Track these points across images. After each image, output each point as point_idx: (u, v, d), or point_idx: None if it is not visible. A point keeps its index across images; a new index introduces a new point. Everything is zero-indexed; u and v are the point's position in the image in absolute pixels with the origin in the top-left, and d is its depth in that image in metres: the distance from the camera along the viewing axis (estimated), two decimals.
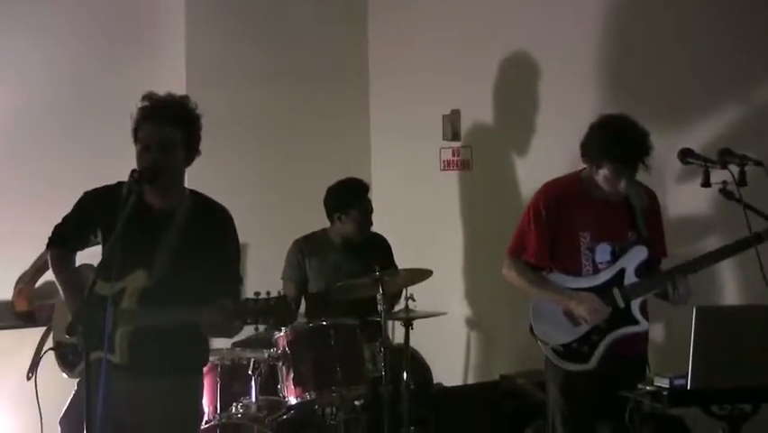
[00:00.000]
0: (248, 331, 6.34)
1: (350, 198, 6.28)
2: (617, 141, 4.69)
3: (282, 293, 3.97)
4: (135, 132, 4.17)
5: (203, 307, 3.94)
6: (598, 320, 4.77)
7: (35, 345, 5.10)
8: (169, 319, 4.01)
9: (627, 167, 4.70)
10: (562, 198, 4.93)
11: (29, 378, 4.35)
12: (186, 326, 4.02)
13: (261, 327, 4.02)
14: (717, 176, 4.51)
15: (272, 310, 3.89)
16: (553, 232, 4.89)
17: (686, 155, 4.69)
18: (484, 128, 7.33)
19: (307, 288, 6.33)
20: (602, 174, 4.75)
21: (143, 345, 4.04)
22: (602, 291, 4.80)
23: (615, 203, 4.84)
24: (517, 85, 6.98)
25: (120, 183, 4.04)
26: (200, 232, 4.18)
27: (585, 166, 4.89)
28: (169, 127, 4.11)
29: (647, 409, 4.41)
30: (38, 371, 4.45)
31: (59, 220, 4.35)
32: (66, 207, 4.33)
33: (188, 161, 4.24)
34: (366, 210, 6.31)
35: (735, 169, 4.48)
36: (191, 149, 4.21)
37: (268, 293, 3.96)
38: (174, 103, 4.21)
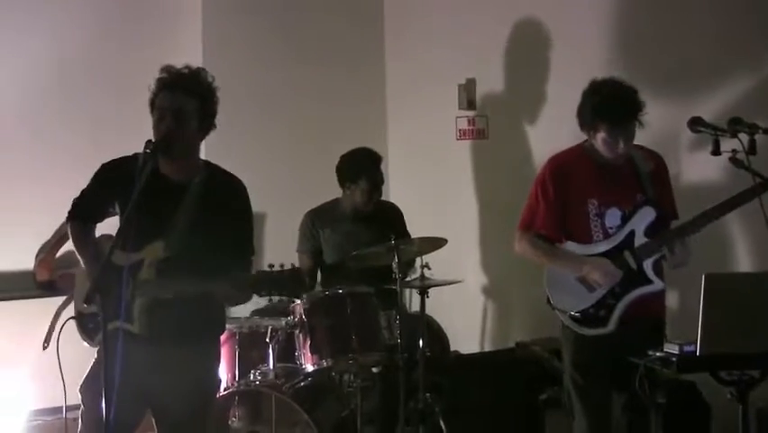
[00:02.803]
0: (265, 300, 6.46)
1: (360, 168, 6.30)
2: (606, 101, 4.72)
3: (295, 265, 4.01)
4: (152, 102, 4.22)
5: (217, 279, 4.00)
6: (612, 283, 4.78)
7: None
8: (185, 291, 4.08)
9: (621, 125, 4.72)
10: (566, 168, 4.95)
11: (45, 348, 4.41)
12: (202, 295, 4.09)
13: (276, 299, 4.07)
14: (727, 145, 4.51)
15: (285, 282, 3.93)
16: (560, 203, 4.91)
17: (696, 124, 4.69)
18: (499, 97, 7.35)
19: (322, 258, 6.38)
20: (600, 138, 4.77)
21: (161, 316, 4.10)
22: (614, 255, 4.82)
23: (620, 168, 4.86)
24: (532, 54, 6.99)
25: (136, 155, 4.09)
26: (215, 203, 4.22)
27: (587, 138, 4.92)
28: (184, 96, 4.17)
29: (659, 376, 4.45)
30: (60, 339, 4.51)
31: (78, 192, 4.41)
32: (85, 178, 4.39)
33: (204, 133, 4.28)
34: (375, 181, 6.32)
35: (744, 137, 4.47)
36: (206, 120, 4.25)
37: (281, 265, 4.01)
38: (190, 73, 4.26)
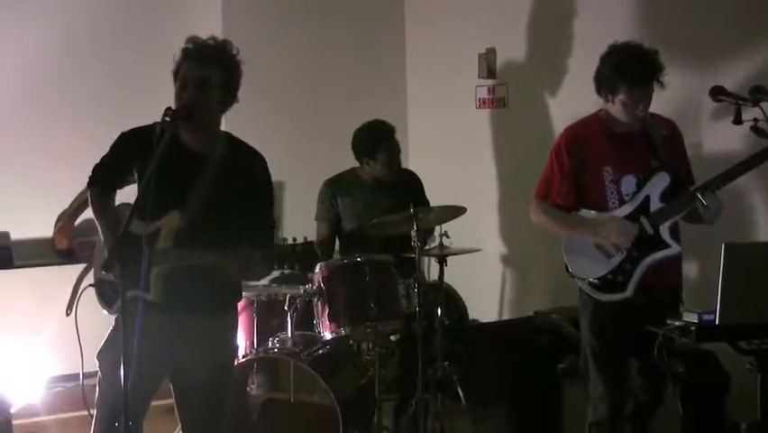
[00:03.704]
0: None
1: (375, 142, 6.21)
2: (627, 62, 4.71)
3: (307, 239, 3.98)
4: (176, 72, 4.21)
5: (232, 254, 3.99)
6: (629, 242, 4.78)
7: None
8: (198, 261, 4.07)
9: (641, 85, 4.71)
10: (581, 137, 4.95)
11: (68, 314, 4.42)
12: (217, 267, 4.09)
13: (287, 271, 4.06)
14: (749, 114, 4.50)
15: (298, 256, 3.92)
16: (576, 172, 4.92)
17: (718, 93, 4.67)
18: (520, 66, 7.33)
19: (341, 227, 6.38)
20: (619, 101, 4.75)
21: (177, 285, 4.08)
22: (630, 220, 4.82)
23: (634, 135, 4.84)
24: (553, 23, 6.98)
25: (155, 123, 4.07)
26: (235, 175, 4.21)
27: (602, 108, 4.90)
28: (207, 67, 4.14)
29: (678, 345, 4.45)
30: (78, 307, 4.53)
31: (98, 160, 4.40)
32: (103, 146, 4.39)
33: (226, 106, 4.26)
34: (392, 153, 6.25)
35: (766, 106, 4.45)
36: (229, 93, 4.23)
37: (294, 239, 3.99)
38: (216, 45, 4.23)
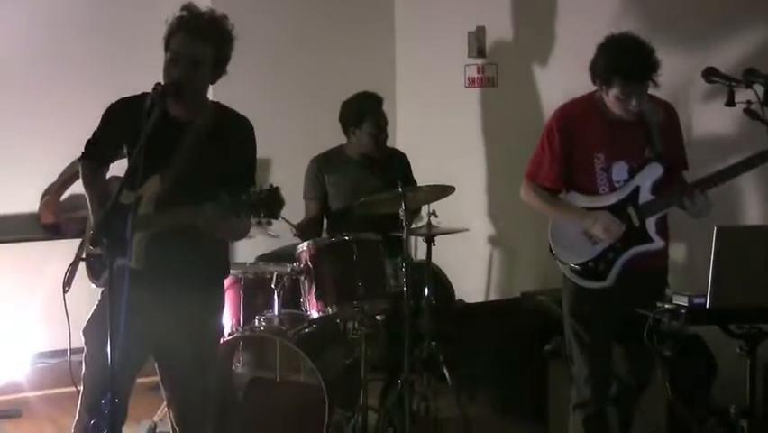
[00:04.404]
0: (272, 245, 6.44)
1: (363, 110, 6.23)
2: (623, 57, 4.68)
3: (273, 186, 3.90)
4: (167, 41, 4.14)
5: (202, 206, 3.90)
6: (614, 238, 4.78)
7: (62, 257, 5.15)
8: (173, 220, 4.01)
9: (635, 83, 4.68)
10: (574, 119, 4.93)
11: (65, 291, 4.37)
12: (197, 231, 4.00)
13: (255, 221, 3.94)
14: (742, 95, 4.46)
15: (264, 202, 3.84)
16: (567, 154, 4.90)
17: (710, 74, 4.64)
18: (509, 45, 7.30)
19: (327, 204, 6.35)
20: (612, 95, 4.73)
21: (158, 251, 4.04)
22: (617, 210, 4.81)
23: (629, 121, 4.81)
24: (544, 2, 6.94)
25: (144, 94, 4.03)
26: (219, 138, 4.17)
27: (597, 89, 4.88)
28: (202, 43, 4.09)
29: (666, 328, 4.43)
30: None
31: (86, 133, 4.37)
32: (90, 119, 4.36)
33: (215, 78, 4.22)
34: (379, 123, 6.25)
35: (759, 88, 4.40)
36: (219, 67, 4.19)
37: (260, 188, 3.92)
38: (212, 19, 4.16)
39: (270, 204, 3.83)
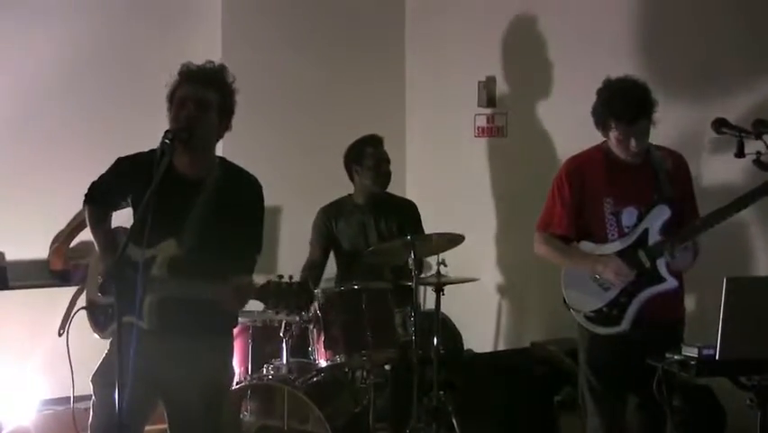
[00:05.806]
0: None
1: (362, 146, 6.35)
2: (616, 99, 4.73)
3: (304, 278, 3.91)
4: (171, 95, 4.19)
5: (226, 285, 3.92)
6: (625, 282, 4.78)
7: (68, 304, 5.16)
8: (192, 291, 4.03)
9: (631, 123, 4.71)
10: (583, 167, 4.97)
11: (60, 334, 4.37)
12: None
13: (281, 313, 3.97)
14: (752, 147, 4.47)
15: (293, 294, 3.85)
16: (577, 203, 4.93)
17: (720, 125, 4.66)
18: (519, 95, 7.32)
19: (340, 251, 6.36)
20: (613, 137, 4.77)
21: (171, 313, 4.04)
22: (628, 253, 4.81)
23: (637, 167, 4.84)
24: (554, 53, 6.96)
25: (152, 150, 4.03)
26: (229, 201, 4.19)
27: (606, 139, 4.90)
28: (206, 89, 4.14)
29: (676, 379, 4.41)
30: (70, 329, 4.48)
31: (96, 178, 4.40)
32: (98, 169, 4.38)
33: (221, 131, 4.25)
34: (380, 157, 6.34)
35: None
36: (224, 117, 4.22)
37: (290, 277, 3.93)
38: (213, 68, 4.25)
39: (299, 296, 3.85)
